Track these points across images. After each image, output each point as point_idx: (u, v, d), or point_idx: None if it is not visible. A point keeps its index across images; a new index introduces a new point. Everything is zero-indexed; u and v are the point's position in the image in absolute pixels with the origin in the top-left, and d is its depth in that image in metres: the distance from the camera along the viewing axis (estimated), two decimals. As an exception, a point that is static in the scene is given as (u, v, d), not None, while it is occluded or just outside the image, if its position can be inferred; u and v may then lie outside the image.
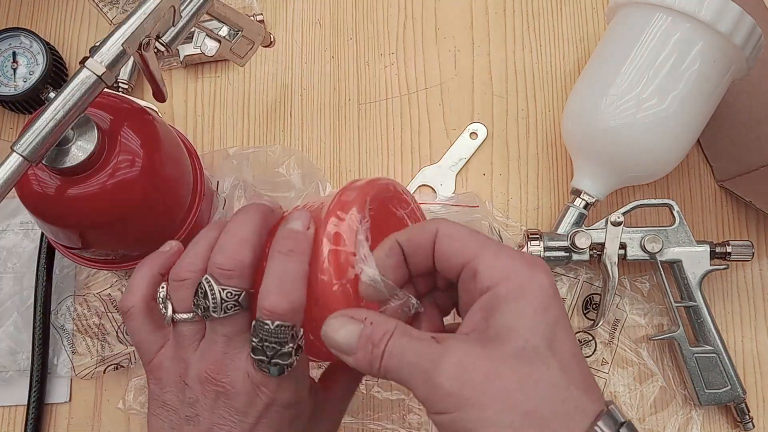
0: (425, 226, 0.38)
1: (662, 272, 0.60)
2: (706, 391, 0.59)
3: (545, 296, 0.35)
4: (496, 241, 0.38)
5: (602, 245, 0.60)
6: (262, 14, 0.70)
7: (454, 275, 0.37)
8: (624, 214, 0.60)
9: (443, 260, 0.37)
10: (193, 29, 0.53)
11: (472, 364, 0.33)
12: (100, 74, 0.43)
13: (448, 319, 0.42)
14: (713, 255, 0.60)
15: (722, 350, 0.59)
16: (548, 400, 0.33)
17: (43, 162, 0.45)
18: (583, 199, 0.60)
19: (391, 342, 0.35)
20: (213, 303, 0.39)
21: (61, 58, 0.69)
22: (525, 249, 0.60)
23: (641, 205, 0.61)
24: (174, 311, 0.41)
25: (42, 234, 0.62)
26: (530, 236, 0.60)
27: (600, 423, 0.33)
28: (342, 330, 0.36)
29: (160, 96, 0.51)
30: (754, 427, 0.60)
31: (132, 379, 0.62)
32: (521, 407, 0.33)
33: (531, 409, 0.33)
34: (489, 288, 0.35)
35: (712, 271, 0.60)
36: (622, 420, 0.34)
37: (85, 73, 0.43)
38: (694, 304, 0.59)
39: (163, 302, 0.42)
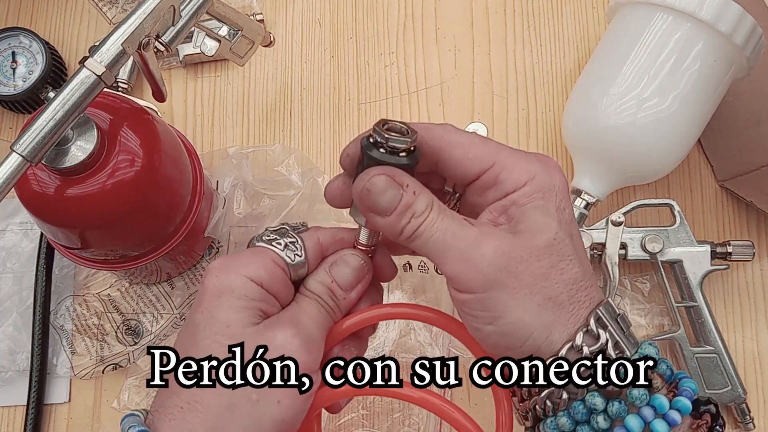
0: (430, 131, 0.39)
1: (663, 272, 0.60)
2: (706, 391, 0.59)
3: (564, 195, 0.38)
4: (505, 144, 0.39)
5: (603, 245, 0.60)
6: (261, 14, 0.70)
7: (467, 181, 0.39)
8: (624, 214, 0.60)
9: (455, 167, 0.39)
10: (192, 29, 0.53)
11: (508, 250, 0.36)
12: (99, 74, 0.43)
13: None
14: (714, 255, 0.60)
15: (723, 350, 0.59)
16: (567, 288, 0.36)
17: (43, 162, 0.44)
18: (583, 199, 0.60)
19: (430, 217, 0.36)
20: None
21: (60, 58, 0.69)
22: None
23: (642, 205, 0.61)
24: None
25: (41, 234, 0.62)
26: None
27: (601, 308, 0.37)
28: (387, 193, 0.36)
29: (159, 96, 0.51)
30: (755, 427, 0.60)
31: (127, 379, 0.62)
32: (545, 292, 0.36)
33: (554, 295, 0.36)
34: (514, 190, 0.37)
35: (712, 271, 0.60)
36: (618, 312, 0.38)
37: (84, 72, 0.43)
38: (694, 304, 0.59)
39: None
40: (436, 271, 0.58)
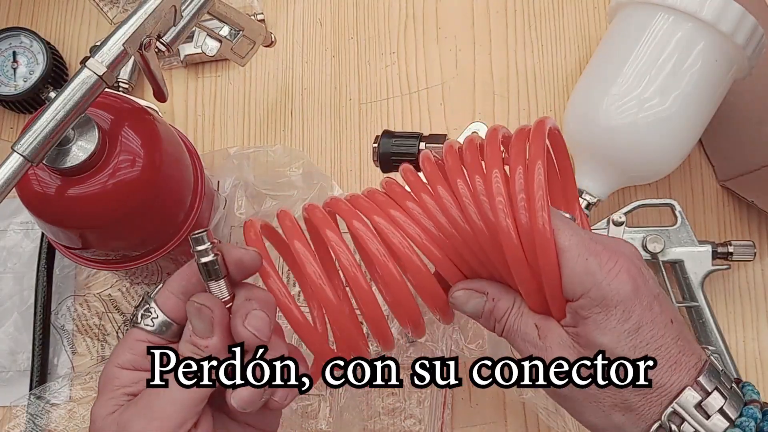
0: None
1: (664, 272, 0.60)
2: (707, 391, 0.59)
3: (626, 303, 0.38)
4: (576, 234, 0.39)
5: (604, 245, 0.60)
6: (262, 14, 0.70)
7: None
8: (626, 214, 0.60)
9: None
10: (193, 29, 0.53)
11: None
12: (101, 74, 0.43)
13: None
14: (715, 255, 0.60)
15: (724, 351, 0.59)
16: (632, 397, 0.38)
17: (44, 162, 0.44)
18: (584, 199, 0.60)
19: (508, 324, 0.42)
20: None
21: (61, 58, 0.69)
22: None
23: (643, 205, 0.61)
24: None
25: (42, 234, 0.62)
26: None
27: (676, 402, 0.38)
28: (469, 304, 0.43)
29: (160, 96, 0.51)
30: (755, 427, 0.60)
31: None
32: (607, 402, 0.39)
33: (617, 402, 0.39)
34: (572, 299, 0.39)
35: (714, 271, 0.60)
36: (699, 398, 0.38)
37: (86, 72, 0.43)
38: (696, 304, 0.59)
39: None
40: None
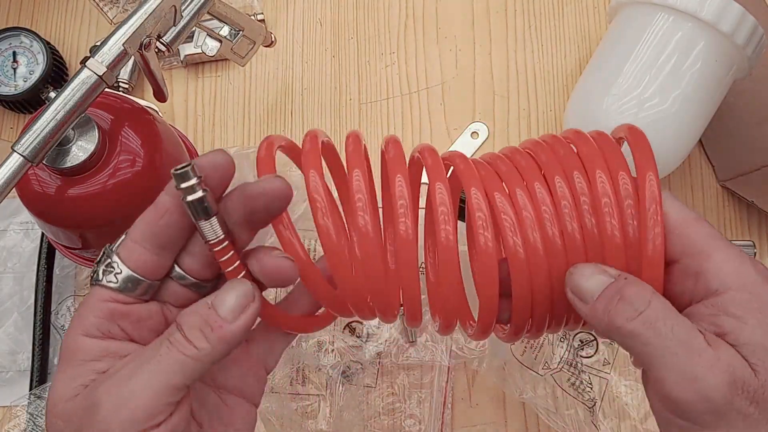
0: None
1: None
2: (707, 391, 0.59)
3: None
4: (720, 234, 0.34)
5: (604, 245, 0.60)
6: (262, 14, 0.70)
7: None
8: (626, 214, 0.60)
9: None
10: (193, 29, 0.53)
11: (742, 383, 0.31)
12: (101, 74, 0.43)
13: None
14: (715, 255, 0.60)
15: (724, 350, 0.59)
16: None
17: (44, 162, 0.44)
18: (584, 199, 0.60)
19: (653, 310, 0.32)
20: None
21: (61, 58, 0.69)
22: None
23: (643, 205, 0.61)
24: None
25: (42, 234, 0.62)
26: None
27: None
28: (593, 278, 0.33)
29: (160, 96, 0.51)
30: (755, 427, 0.60)
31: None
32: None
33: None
34: (717, 293, 0.32)
35: (713, 271, 0.60)
36: None
37: (85, 72, 0.43)
38: (695, 304, 0.59)
39: None
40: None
